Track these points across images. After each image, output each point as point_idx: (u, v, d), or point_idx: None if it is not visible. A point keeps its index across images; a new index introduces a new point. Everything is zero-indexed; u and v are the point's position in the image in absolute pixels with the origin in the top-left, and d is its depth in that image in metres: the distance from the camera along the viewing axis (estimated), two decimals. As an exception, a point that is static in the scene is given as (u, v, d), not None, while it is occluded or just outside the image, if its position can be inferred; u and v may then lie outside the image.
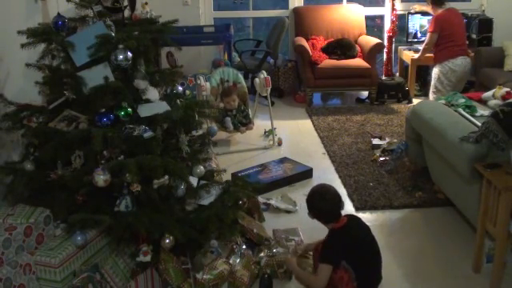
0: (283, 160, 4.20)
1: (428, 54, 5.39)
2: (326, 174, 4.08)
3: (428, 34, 5.16)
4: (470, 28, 5.90)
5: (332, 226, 2.49)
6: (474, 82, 5.63)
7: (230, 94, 4.67)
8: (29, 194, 2.54)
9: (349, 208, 3.49)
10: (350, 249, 2.43)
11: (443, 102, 3.78)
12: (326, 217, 2.52)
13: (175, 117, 2.60)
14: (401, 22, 6.37)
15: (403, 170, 4.00)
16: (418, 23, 6.19)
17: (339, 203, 2.53)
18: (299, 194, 3.61)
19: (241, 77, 4.92)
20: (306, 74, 5.74)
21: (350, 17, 6.22)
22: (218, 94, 4.75)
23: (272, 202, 3.53)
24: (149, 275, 2.47)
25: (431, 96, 5.18)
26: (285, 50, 6.61)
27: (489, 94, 4.05)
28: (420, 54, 5.52)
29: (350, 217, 2.57)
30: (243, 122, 4.68)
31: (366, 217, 3.41)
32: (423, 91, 5.98)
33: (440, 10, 5.04)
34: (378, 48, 5.81)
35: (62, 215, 2.42)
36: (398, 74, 6.53)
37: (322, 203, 2.52)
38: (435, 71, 5.09)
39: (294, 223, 3.22)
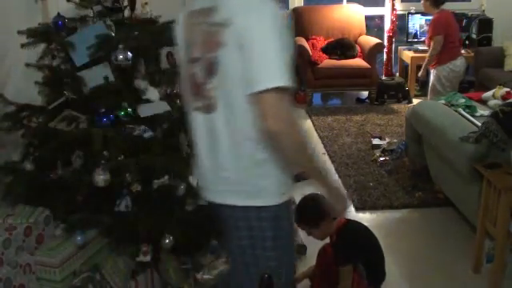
0: (283, 160, 4.19)
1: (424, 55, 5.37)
2: (326, 174, 4.08)
3: (434, 39, 4.78)
4: (470, 28, 5.90)
5: (335, 226, 2.47)
6: (474, 81, 5.63)
7: None
8: (29, 194, 2.54)
9: (349, 208, 3.49)
10: (360, 243, 2.43)
11: (443, 102, 3.78)
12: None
13: (175, 117, 2.60)
14: (401, 22, 6.37)
15: (403, 169, 4.00)
16: (418, 23, 6.20)
17: None
18: (299, 194, 3.60)
19: None
20: (306, 74, 5.74)
21: (350, 17, 6.23)
22: None
23: (272, 202, 3.53)
24: (149, 275, 2.47)
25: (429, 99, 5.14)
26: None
27: (489, 94, 4.05)
28: (426, 61, 4.99)
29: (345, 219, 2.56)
30: None
31: (365, 217, 3.41)
32: (423, 91, 5.98)
33: (436, 11, 4.99)
34: (378, 48, 5.82)
35: (62, 215, 2.42)
36: (397, 74, 6.53)
37: (320, 204, 2.47)
38: (435, 74, 5.01)
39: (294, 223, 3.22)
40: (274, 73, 1.38)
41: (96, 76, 2.46)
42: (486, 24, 5.87)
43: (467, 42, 5.91)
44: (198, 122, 1.58)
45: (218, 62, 1.45)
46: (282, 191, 1.58)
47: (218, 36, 1.43)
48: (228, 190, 1.58)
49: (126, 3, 2.66)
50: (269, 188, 1.55)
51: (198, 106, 1.56)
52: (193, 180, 2.67)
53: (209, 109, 1.52)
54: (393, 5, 6.33)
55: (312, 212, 2.47)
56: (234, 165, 1.53)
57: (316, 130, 5.06)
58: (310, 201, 2.57)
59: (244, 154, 1.51)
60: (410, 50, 6.11)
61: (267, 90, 1.37)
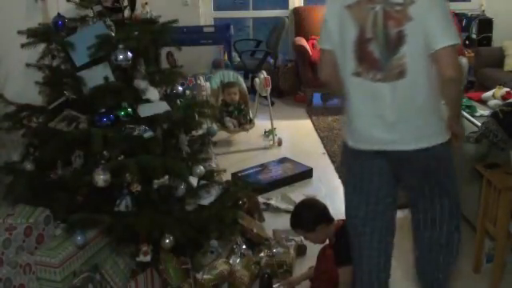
0: (283, 160, 4.20)
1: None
2: (326, 174, 4.08)
3: None
4: (470, 28, 5.90)
5: (333, 228, 2.47)
6: (474, 82, 5.62)
7: (232, 85, 4.68)
8: (29, 194, 2.54)
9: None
10: None
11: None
12: (327, 216, 2.50)
13: (175, 117, 2.60)
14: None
15: (403, 170, 3.99)
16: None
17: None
18: (299, 194, 3.60)
19: (241, 79, 4.92)
20: (306, 74, 5.73)
21: (349, 17, 6.22)
22: (218, 96, 4.76)
23: (272, 202, 3.53)
24: (149, 275, 2.47)
25: None
26: (285, 50, 6.61)
27: (489, 94, 4.04)
28: None
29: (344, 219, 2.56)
30: (241, 122, 4.68)
31: (365, 217, 3.40)
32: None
33: None
34: (378, 48, 5.81)
35: (62, 215, 2.42)
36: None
37: (316, 208, 2.50)
38: None
39: (294, 223, 3.22)
40: (454, 34, 1.84)
41: (96, 76, 2.46)
42: (485, 24, 5.85)
43: (467, 42, 5.90)
44: (380, 89, 1.89)
45: (406, 34, 1.81)
46: (446, 130, 1.98)
47: (405, 13, 1.79)
48: (408, 138, 1.92)
49: (125, 3, 2.67)
50: (439, 130, 1.96)
51: (379, 77, 1.87)
52: (193, 180, 2.68)
53: (399, 76, 1.85)
54: (393, 5, 6.33)
55: (308, 216, 2.47)
56: (420, 116, 1.91)
57: (316, 130, 5.05)
58: (306, 205, 2.59)
59: (425, 106, 1.91)
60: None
61: (449, 46, 1.81)
